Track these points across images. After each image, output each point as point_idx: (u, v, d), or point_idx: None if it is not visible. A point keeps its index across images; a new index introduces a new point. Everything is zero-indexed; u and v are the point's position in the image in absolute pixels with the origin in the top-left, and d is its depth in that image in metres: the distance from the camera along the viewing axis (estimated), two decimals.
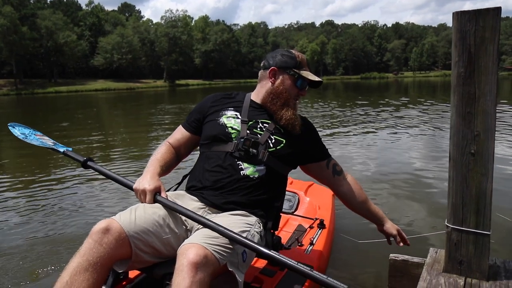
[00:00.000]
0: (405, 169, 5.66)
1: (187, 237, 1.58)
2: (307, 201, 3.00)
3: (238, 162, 1.77)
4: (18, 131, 2.10)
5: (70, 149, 1.98)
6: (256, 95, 1.96)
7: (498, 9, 1.66)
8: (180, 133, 1.98)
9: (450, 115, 1.83)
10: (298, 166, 2.04)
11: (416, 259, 2.13)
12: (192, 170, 1.94)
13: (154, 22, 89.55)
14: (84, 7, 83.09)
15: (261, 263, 1.92)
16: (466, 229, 1.82)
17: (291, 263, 1.48)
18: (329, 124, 11.08)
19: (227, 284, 1.49)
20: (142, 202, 1.65)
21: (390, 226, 2.12)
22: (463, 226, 1.83)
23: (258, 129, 1.85)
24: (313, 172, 2.04)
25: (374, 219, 2.13)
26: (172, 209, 1.62)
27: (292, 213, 2.76)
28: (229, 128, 1.84)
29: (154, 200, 1.64)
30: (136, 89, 59.73)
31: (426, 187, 4.76)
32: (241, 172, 1.76)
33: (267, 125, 1.87)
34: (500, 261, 1.99)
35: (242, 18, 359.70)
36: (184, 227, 1.66)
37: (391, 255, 2.19)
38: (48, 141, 2.05)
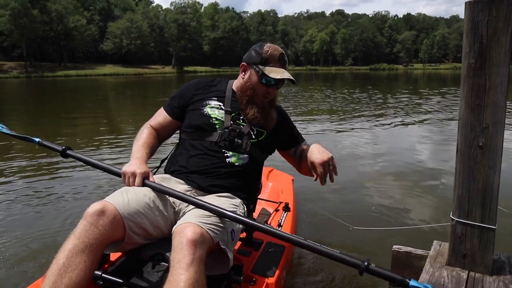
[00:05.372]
0: (412, 161, 5.63)
1: (175, 220, 1.65)
2: (270, 185, 3.13)
3: (223, 151, 1.84)
4: None
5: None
6: (236, 86, 1.98)
7: None
8: (162, 117, 2.00)
9: (459, 107, 1.80)
10: (277, 151, 2.07)
11: (419, 251, 2.12)
12: (173, 155, 1.98)
13: (163, 8, 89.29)
14: None
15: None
16: (472, 222, 1.81)
17: (291, 236, 1.55)
18: (336, 114, 11.03)
19: (216, 262, 1.56)
20: (130, 186, 1.67)
21: (317, 152, 1.75)
22: (468, 219, 1.81)
23: (241, 120, 1.90)
24: (289, 156, 2.05)
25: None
26: (163, 192, 1.66)
27: None
28: (213, 119, 1.87)
29: (143, 184, 1.67)
30: (144, 74, 59.76)
31: (432, 179, 4.73)
32: (226, 159, 1.84)
33: None
34: (504, 256, 1.98)
35: (253, 5, 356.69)
36: (173, 209, 1.71)
37: (394, 246, 2.19)
38: (18, 133, 2.02)
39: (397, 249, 2.17)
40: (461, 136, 1.79)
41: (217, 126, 1.86)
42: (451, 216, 1.88)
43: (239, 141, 1.85)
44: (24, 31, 56.28)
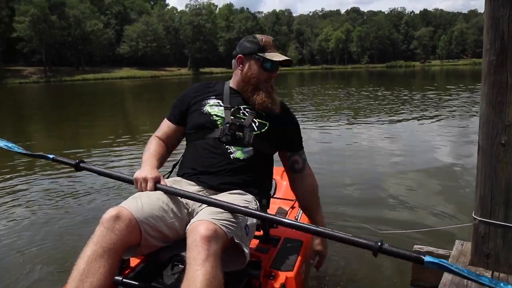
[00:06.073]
0: (432, 159, 5.56)
1: (189, 220, 1.65)
2: (284, 184, 3.09)
3: (226, 147, 1.85)
4: (1, 143, 2.10)
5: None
6: (233, 83, 2.02)
7: None
8: (166, 126, 2.05)
9: (479, 104, 1.77)
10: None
11: (441, 251, 2.09)
12: (182, 159, 2.02)
13: (178, 10, 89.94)
14: None
15: (252, 243, 1.98)
16: (494, 221, 1.78)
17: (309, 226, 1.59)
18: (355, 113, 10.95)
19: (232, 258, 1.57)
20: (143, 191, 1.70)
21: (318, 243, 2.12)
22: (491, 218, 1.78)
23: (241, 114, 1.91)
24: (282, 158, 2.07)
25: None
26: (175, 194, 1.68)
27: (272, 197, 2.83)
28: (214, 116, 1.90)
29: (155, 188, 1.69)
30: (160, 77, 60.36)
31: (453, 178, 4.66)
32: (231, 155, 1.84)
33: (249, 110, 1.94)
34: None
35: (267, 5, 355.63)
36: (186, 210, 1.74)
37: (415, 246, 2.16)
38: (32, 152, 2.05)
39: (418, 249, 2.14)
40: (482, 134, 1.76)
41: (218, 123, 1.88)
42: (473, 215, 1.85)
43: (241, 134, 1.86)
44: (43, 36, 57.55)
